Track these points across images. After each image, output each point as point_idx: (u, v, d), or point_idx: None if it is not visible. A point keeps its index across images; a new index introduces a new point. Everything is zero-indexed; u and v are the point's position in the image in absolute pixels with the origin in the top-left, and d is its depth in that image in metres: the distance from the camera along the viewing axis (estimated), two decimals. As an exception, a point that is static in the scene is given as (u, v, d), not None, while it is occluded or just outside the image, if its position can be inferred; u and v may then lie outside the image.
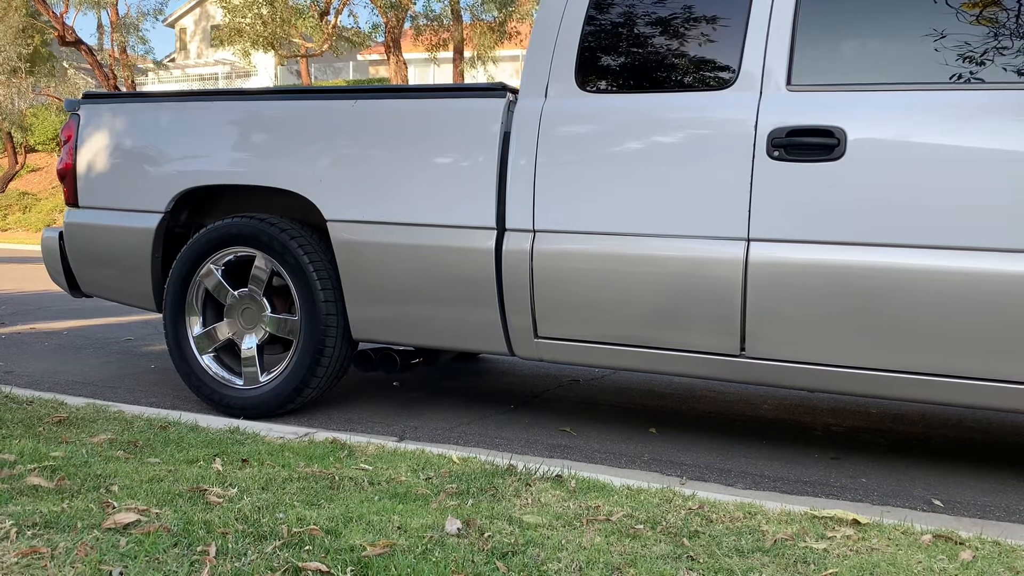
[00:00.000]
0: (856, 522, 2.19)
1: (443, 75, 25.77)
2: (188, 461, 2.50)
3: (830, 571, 1.86)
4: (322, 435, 2.91)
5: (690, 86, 2.91)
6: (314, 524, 1.98)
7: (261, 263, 3.41)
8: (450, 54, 20.94)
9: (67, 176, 3.81)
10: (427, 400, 3.87)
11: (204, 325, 3.54)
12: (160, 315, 3.66)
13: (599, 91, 3.01)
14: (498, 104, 3.07)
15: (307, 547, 1.85)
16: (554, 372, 4.52)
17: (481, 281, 3.07)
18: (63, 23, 21.05)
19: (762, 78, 2.75)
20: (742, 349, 2.79)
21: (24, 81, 21.68)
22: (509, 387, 4.19)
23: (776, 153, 2.69)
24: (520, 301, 3.04)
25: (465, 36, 20.39)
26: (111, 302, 4.00)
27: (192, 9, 34.15)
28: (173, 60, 34.46)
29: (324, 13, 20.84)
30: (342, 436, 2.87)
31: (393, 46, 19.64)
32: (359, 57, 29.93)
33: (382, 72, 29.23)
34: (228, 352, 3.56)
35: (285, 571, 1.74)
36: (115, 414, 3.06)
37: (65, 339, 5.31)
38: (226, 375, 3.50)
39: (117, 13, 23.81)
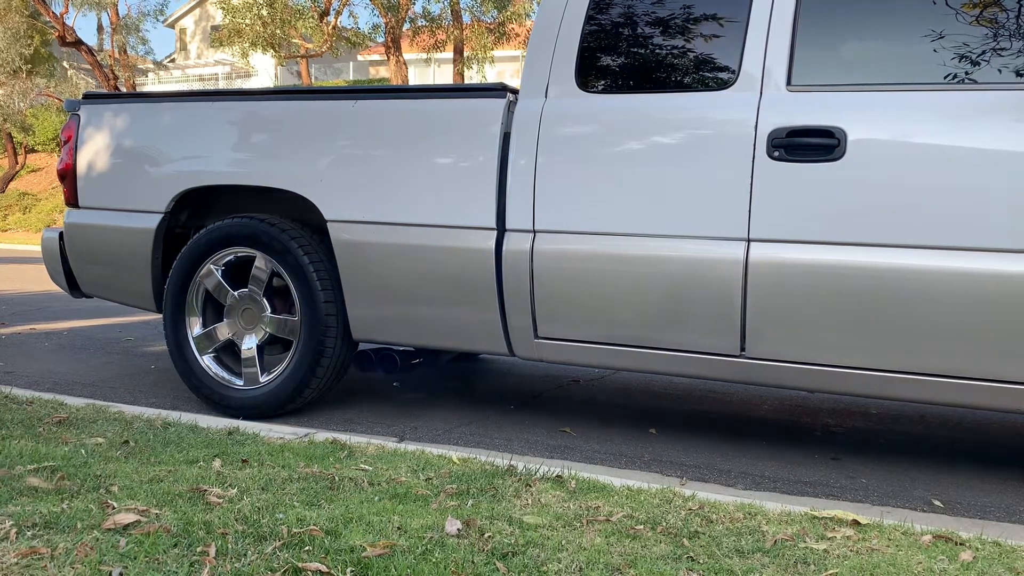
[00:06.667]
0: (856, 523, 2.19)
1: (443, 75, 25.77)
2: (188, 461, 2.50)
3: (830, 572, 1.86)
4: (322, 435, 2.91)
5: (690, 86, 2.91)
6: (314, 524, 1.98)
7: (261, 263, 3.41)
8: (450, 55, 20.94)
9: (67, 176, 3.81)
10: (427, 400, 3.87)
11: (204, 325, 3.54)
12: (160, 315, 3.66)
13: (599, 91, 3.01)
14: (498, 104, 3.07)
15: (307, 547, 1.85)
16: (554, 372, 4.52)
17: (481, 281, 3.07)
18: (63, 24, 21.04)
19: (762, 78, 2.75)
20: (742, 349, 2.79)
21: (24, 81, 21.68)
22: (509, 387, 4.19)
23: (776, 153, 2.68)
24: (520, 301, 3.04)
25: (464, 37, 20.38)
26: (111, 302, 4.00)
27: (192, 9, 34.14)
28: (173, 60, 34.44)
29: (324, 14, 20.82)
30: (342, 436, 2.87)
31: (393, 46, 19.65)
32: (359, 57, 29.92)
33: (382, 72, 29.22)
34: (228, 352, 3.56)
35: (285, 571, 1.74)
36: (115, 414, 3.06)
37: (65, 339, 5.31)
38: (226, 375, 3.51)
39: (117, 14, 23.82)
